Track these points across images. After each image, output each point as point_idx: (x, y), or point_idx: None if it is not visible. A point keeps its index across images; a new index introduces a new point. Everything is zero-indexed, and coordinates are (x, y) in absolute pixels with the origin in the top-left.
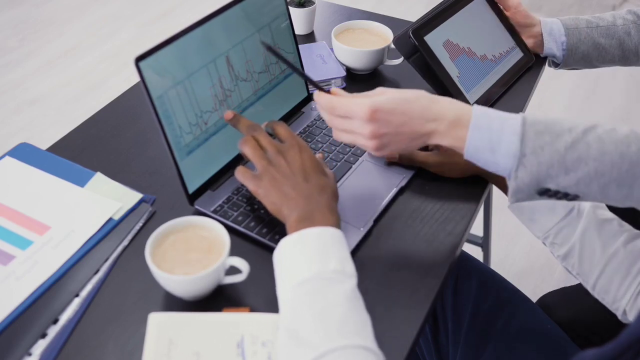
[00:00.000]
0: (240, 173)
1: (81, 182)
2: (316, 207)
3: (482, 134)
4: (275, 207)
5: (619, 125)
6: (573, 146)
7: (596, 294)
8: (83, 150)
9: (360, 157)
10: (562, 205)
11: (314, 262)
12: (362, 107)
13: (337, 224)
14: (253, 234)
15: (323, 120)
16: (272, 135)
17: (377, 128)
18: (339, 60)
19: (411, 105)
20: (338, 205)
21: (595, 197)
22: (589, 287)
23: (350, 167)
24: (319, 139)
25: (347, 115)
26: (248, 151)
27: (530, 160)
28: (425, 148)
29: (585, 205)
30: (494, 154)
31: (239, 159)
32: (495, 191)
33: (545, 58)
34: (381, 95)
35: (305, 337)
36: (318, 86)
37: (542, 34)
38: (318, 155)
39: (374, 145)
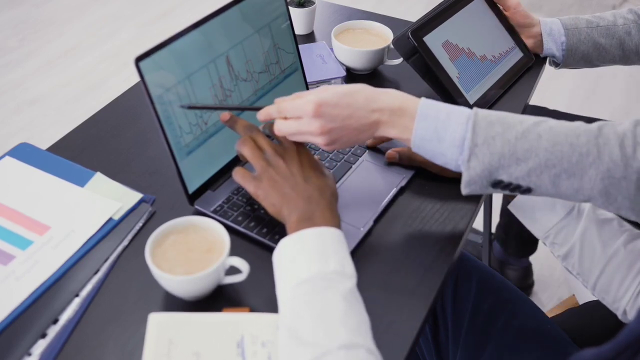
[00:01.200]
0: (238, 174)
1: (81, 182)
2: (316, 207)
3: (429, 123)
4: (275, 208)
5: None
6: (524, 136)
7: (596, 293)
8: (83, 150)
9: (360, 157)
10: (563, 205)
11: (313, 262)
12: (308, 104)
13: (338, 224)
14: (253, 234)
15: None
16: (270, 136)
17: (325, 123)
18: (339, 60)
19: (354, 97)
20: (338, 205)
21: (547, 189)
22: (589, 287)
23: (350, 167)
24: None
25: (296, 114)
26: (246, 152)
27: (482, 150)
28: None
29: (586, 206)
30: (441, 143)
31: (239, 160)
32: None
33: (545, 58)
34: (325, 92)
35: (306, 336)
36: (256, 108)
37: (541, 34)
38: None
39: (323, 141)
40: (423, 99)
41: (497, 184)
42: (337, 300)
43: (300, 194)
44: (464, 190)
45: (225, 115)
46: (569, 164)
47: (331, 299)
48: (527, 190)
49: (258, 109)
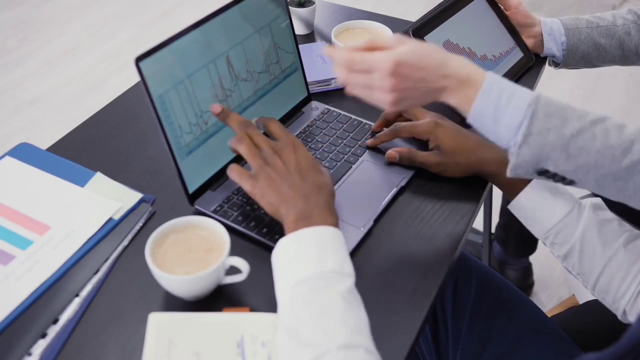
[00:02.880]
0: (234, 172)
1: (81, 182)
2: (315, 206)
3: (490, 101)
4: (272, 207)
5: (629, 123)
6: (579, 134)
7: (596, 294)
8: (83, 150)
9: (360, 157)
10: (563, 205)
11: (312, 262)
12: (386, 61)
13: (336, 223)
14: (253, 234)
15: (323, 120)
16: (264, 132)
17: (398, 82)
18: None
19: (430, 59)
20: (338, 205)
21: (590, 186)
22: (589, 287)
23: (350, 167)
24: (319, 139)
25: (367, 69)
26: (243, 150)
27: (535, 140)
28: (425, 148)
29: (586, 206)
30: (497, 123)
31: (239, 159)
32: (495, 191)
33: (545, 58)
34: (402, 46)
35: (305, 336)
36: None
37: (542, 34)
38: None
39: (392, 99)
40: (489, 73)
41: (543, 173)
42: (336, 300)
43: (298, 193)
44: (510, 173)
45: (217, 107)
46: (618, 168)
47: (330, 299)
48: (570, 183)
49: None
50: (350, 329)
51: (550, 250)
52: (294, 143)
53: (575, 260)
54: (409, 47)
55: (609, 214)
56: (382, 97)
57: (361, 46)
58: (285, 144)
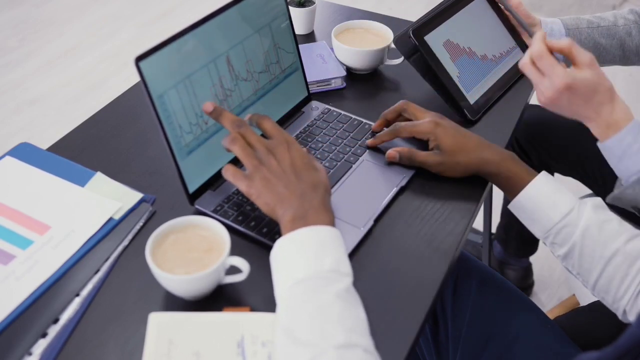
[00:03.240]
0: (229, 173)
1: (81, 182)
2: (310, 205)
3: (622, 145)
4: (268, 207)
5: None
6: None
7: (596, 293)
8: (83, 150)
9: (360, 156)
10: (564, 204)
11: (309, 262)
12: (562, 77)
13: (332, 222)
14: (253, 234)
15: (323, 120)
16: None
17: (558, 98)
18: (339, 60)
19: (595, 96)
20: (339, 204)
21: None
22: (589, 287)
23: (350, 167)
24: (319, 139)
25: (545, 73)
26: (237, 151)
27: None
28: (426, 147)
29: (586, 205)
30: (620, 161)
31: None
32: (495, 191)
33: None
34: (584, 72)
35: (302, 336)
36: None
37: None
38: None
39: (545, 102)
40: (634, 122)
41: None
42: (334, 299)
43: (294, 192)
44: (608, 199)
45: (209, 105)
46: None
47: (327, 299)
48: None
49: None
50: (347, 329)
51: (551, 250)
52: (287, 141)
53: (575, 260)
54: (587, 75)
55: (609, 214)
56: (539, 96)
57: (563, 46)
58: (279, 143)
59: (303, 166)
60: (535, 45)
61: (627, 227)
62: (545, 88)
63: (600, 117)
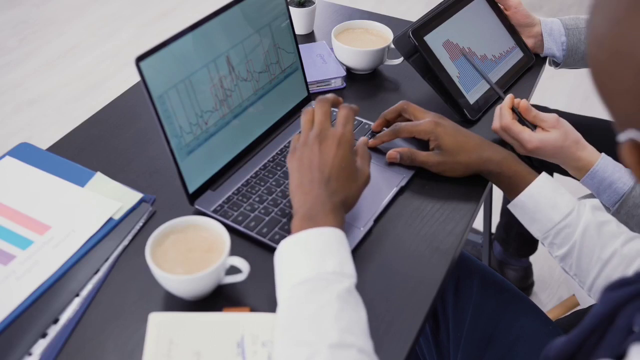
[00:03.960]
0: (295, 137)
1: (81, 182)
2: (321, 209)
3: (591, 184)
4: (291, 189)
5: None
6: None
7: (592, 295)
8: (83, 150)
9: None
10: (564, 205)
11: (312, 263)
12: (529, 142)
13: (340, 225)
14: (253, 234)
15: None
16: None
17: (532, 154)
18: (339, 60)
19: (563, 151)
20: None
21: None
22: (585, 288)
23: None
24: None
25: (515, 138)
26: (302, 121)
27: (621, 217)
28: (426, 148)
29: (585, 207)
30: (600, 195)
31: (240, 159)
32: (495, 191)
33: (545, 58)
34: (547, 134)
35: (300, 335)
36: (499, 93)
37: (542, 34)
38: (362, 141)
39: (524, 153)
40: (601, 161)
41: None
42: (332, 300)
43: (313, 191)
44: (616, 206)
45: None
46: None
47: (326, 299)
48: None
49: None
50: (342, 329)
51: (548, 251)
52: (341, 137)
53: (573, 261)
54: (553, 136)
55: (607, 216)
56: (517, 149)
57: (527, 116)
58: (333, 134)
59: (339, 169)
60: (504, 118)
61: (624, 229)
62: (518, 148)
63: (572, 164)
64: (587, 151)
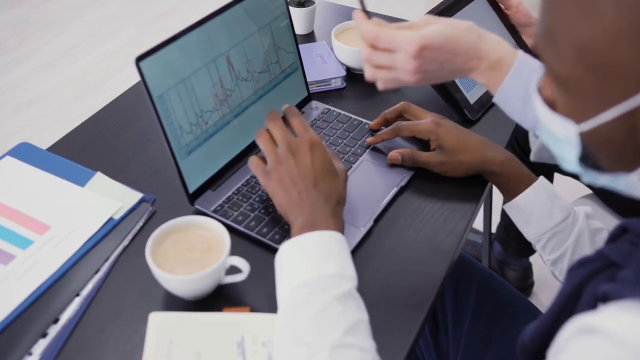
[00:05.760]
0: (253, 164)
1: (81, 181)
2: (320, 214)
3: (520, 83)
4: (281, 208)
5: None
6: None
7: None
8: (83, 150)
9: (360, 156)
10: (559, 211)
11: (313, 265)
12: (411, 41)
13: (340, 229)
14: (253, 234)
15: (323, 120)
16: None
17: (422, 64)
18: (339, 60)
19: (459, 43)
20: None
21: None
22: None
23: (350, 167)
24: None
25: (392, 48)
26: (260, 144)
27: None
28: (427, 148)
29: (580, 214)
30: (525, 104)
31: (240, 159)
32: (496, 191)
33: None
34: (429, 26)
35: (300, 336)
36: (364, 7)
37: None
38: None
39: (415, 80)
40: (521, 54)
41: None
42: (333, 301)
43: (306, 200)
44: (533, 157)
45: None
46: None
47: (327, 301)
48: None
49: (367, 12)
50: (344, 330)
51: (539, 254)
52: (311, 142)
53: (564, 266)
54: (437, 27)
55: (600, 224)
56: (404, 78)
57: (390, 25)
58: (302, 143)
59: (322, 172)
60: (364, 26)
61: None
62: (402, 63)
63: (481, 59)
64: (493, 39)
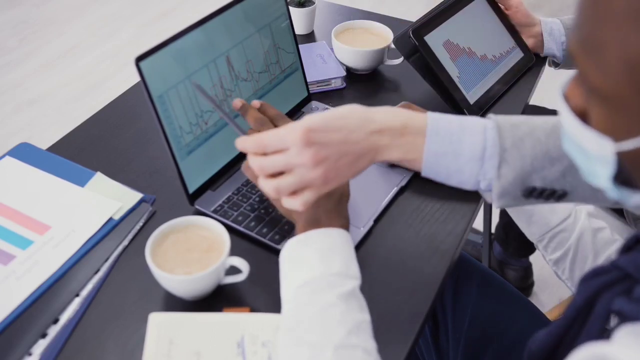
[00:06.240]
0: (249, 171)
1: (81, 182)
2: (323, 211)
3: (442, 137)
4: (284, 210)
5: None
6: (553, 132)
7: None
8: (83, 150)
9: None
10: (562, 210)
11: (317, 263)
12: (294, 131)
13: (344, 226)
14: (253, 234)
15: None
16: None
17: (317, 151)
18: (339, 60)
19: (347, 119)
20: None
21: (584, 190)
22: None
23: None
24: None
25: (280, 146)
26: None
27: (512, 154)
28: None
29: (582, 212)
30: (457, 158)
31: (240, 159)
32: None
33: (545, 58)
34: (311, 117)
35: (303, 335)
36: (239, 127)
37: (542, 34)
38: None
39: (320, 174)
40: (429, 113)
41: (531, 193)
42: (337, 301)
43: None
44: (497, 203)
45: (237, 102)
46: None
47: (331, 300)
48: (563, 195)
49: (242, 130)
50: (347, 330)
51: (542, 254)
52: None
53: (566, 265)
54: (319, 114)
55: (602, 222)
56: (309, 175)
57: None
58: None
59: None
60: (241, 142)
61: (617, 237)
62: (297, 157)
63: (382, 132)
64: (386, 111)
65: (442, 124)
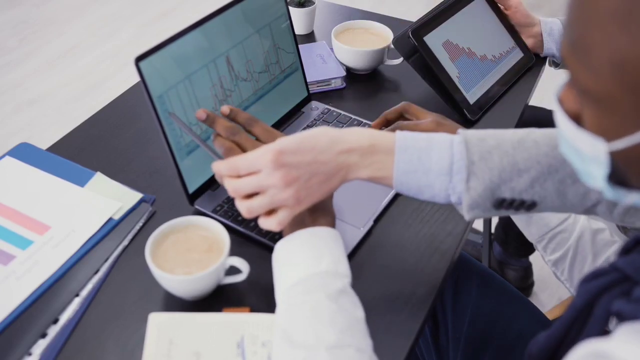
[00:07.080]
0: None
1: (81, 182)
2: (307, 212)
3: (411, 154)
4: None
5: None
6: (520, 144)
7: None
8: (83, 150)
9: None
10: None
11: (306, 263)
12: (265, 154)
13: (331, 223)
14: (253, 234)
15: (323, 120)
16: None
17: (287, 172)
18: (339, 60)
19: (316, 140)
20: (339, 205)
21: (553, 200)
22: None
23: None
24: None
25: (252, 169)
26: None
27: (480, 167)
28: None
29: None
30: (427, 174)
31: None
32: None
33: (545, 58)
34: (282, 140)
35: (296, 337)
36: (214, 151)
37: (542, 34)
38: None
39: (291, 194)
40: (398, 131)
41: (500, 204)
42: (327, 301)
43: None
44: (468, 215)
45: (201, 113)
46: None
47: (321, 300)
48: (532, 205)
49: (217, 154)
50: (339, 330)
51: (541, 254)
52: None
53: (566, 266)
54: (289, 137)
55: (601, 223)
56: (280, 196)
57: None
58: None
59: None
60: (216, 166)
61: (616, 239)
62: (268, 179)
63: (351, 151)
64: (370, 131)
65: (410, 142)
